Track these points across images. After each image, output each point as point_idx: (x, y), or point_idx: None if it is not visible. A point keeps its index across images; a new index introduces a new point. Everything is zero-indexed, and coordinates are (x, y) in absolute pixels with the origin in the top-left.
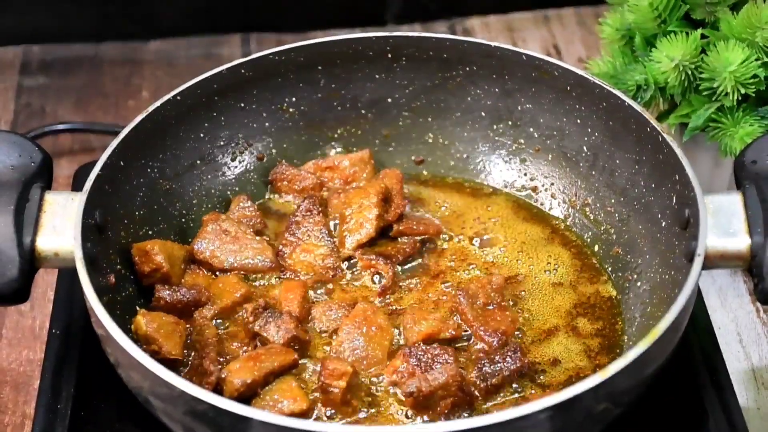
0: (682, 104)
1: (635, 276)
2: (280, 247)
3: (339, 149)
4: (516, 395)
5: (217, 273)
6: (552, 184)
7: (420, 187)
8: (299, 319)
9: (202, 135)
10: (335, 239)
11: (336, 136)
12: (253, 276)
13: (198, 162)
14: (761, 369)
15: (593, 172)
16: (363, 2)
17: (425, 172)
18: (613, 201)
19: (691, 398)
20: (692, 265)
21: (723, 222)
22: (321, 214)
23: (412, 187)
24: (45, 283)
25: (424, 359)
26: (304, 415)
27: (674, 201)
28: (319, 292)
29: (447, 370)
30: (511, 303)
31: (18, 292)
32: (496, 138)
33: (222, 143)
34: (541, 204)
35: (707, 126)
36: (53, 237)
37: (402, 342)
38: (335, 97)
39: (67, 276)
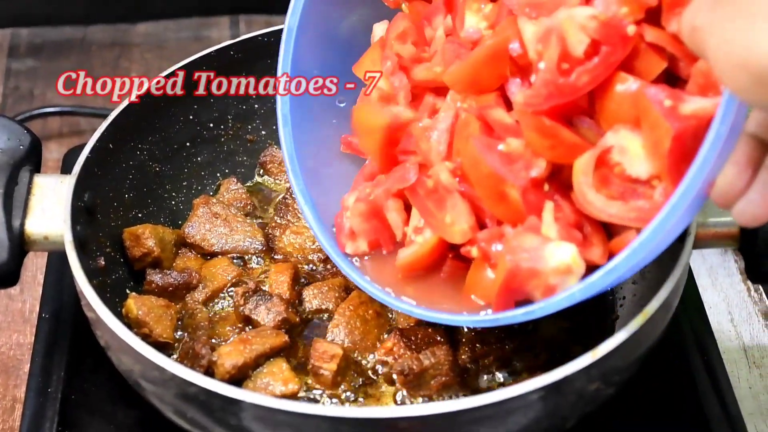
0: None
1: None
2: (270, 229)
3: None
4: (508, 375)
5: (208, 256)
6: None
7: None
8: (289, 301)
9: (191, 117)
10: None
11: None
12: (244, 259)
13: (187, 144)
14: (752, 348)
15: None
16: None
17: None
18: None
19: (683, 377)
20: (683, 244)
21: None
22: None
23: None
24: (34, 267)
25: (415, 339)
26: (294, 397)
27: None
28: (309, 274)
29: (438, 350)
30: None
31: (7, 276)
32: None
33: (211, 125)
34: None
35: None
36: (42, 220)
37: (396, 325)
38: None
39: (57, 259)
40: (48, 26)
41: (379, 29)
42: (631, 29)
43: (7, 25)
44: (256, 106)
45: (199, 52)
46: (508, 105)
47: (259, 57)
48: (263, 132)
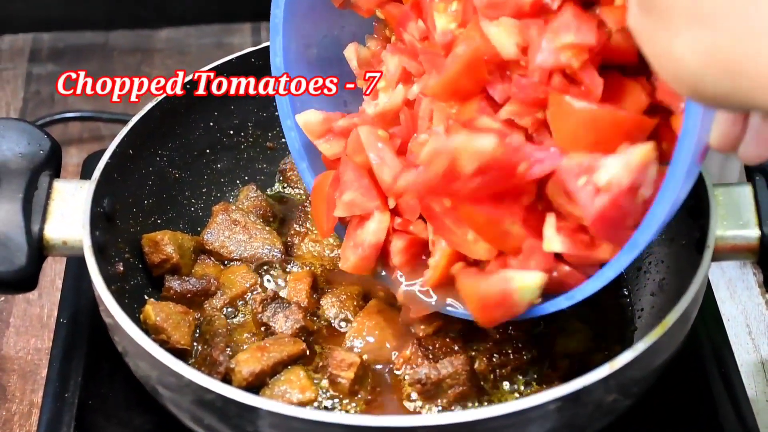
0: None
1: (644, 267)
2: (289, 237)
3: None
4: (525, 385)
5: (227, 263)
6: None
7: None
8: (307, 309)
9: (211, 124)
10: None
11: None
12: (262, 266)
13: (207, 151)
14: None
15: None
16: None
17: None
18: None
19: (700, 390)
20: (702, 256)
21: (733, 213)
22: None
23: None
24: (53, 272)
25: (433, 349)
26: (311, 404)
27: None
28: (327, 282)
29: (456, 359)
30: None
31: (26, 281)
32: None
33: (231, 132)
34: None
35: None
36: (61, 225)
37: (414, 334)
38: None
39: (75, 264)
40: (70, 31)
41: (349, 53)
42: (523, 167)
43: (29, 29)
44: (277, 113)
45: (221, 59)
46: (495, 104)
47: None
48: (283, 140)
